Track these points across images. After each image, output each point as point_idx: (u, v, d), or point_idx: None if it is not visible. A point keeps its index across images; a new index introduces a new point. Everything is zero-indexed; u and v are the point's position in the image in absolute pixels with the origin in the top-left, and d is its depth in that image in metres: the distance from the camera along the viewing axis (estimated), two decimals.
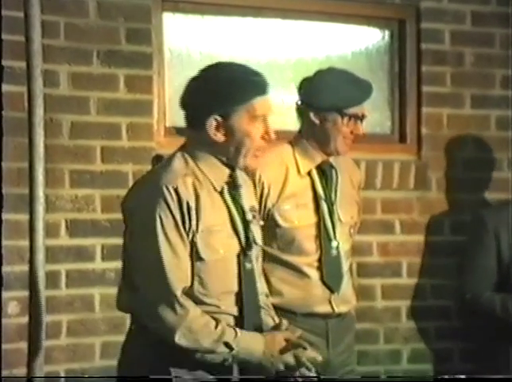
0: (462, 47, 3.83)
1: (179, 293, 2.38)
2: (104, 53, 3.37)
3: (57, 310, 3.26)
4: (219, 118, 2.43)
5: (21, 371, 3.24)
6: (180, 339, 2.38)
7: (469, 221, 3.65)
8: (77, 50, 3.33)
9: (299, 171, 3.16)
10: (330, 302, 3.15)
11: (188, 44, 3.56)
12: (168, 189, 2.37)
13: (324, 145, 3.12)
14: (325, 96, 3.11)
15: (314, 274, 3.13)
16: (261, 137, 2.47)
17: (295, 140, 3.20)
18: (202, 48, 3.57)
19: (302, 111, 3.17)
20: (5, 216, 3.23)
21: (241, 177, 2.54)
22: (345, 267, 3.19)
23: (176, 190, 2.38)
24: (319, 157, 3.17)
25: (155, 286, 2.38)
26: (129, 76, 3.38)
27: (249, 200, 2.57)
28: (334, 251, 3.14)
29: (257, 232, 2.55)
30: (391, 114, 3.82)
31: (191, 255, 2.40)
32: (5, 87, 3.23)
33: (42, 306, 3.24)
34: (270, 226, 3.13)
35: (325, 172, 3.17)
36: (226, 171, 2.48)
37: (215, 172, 2.46)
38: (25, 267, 3.25)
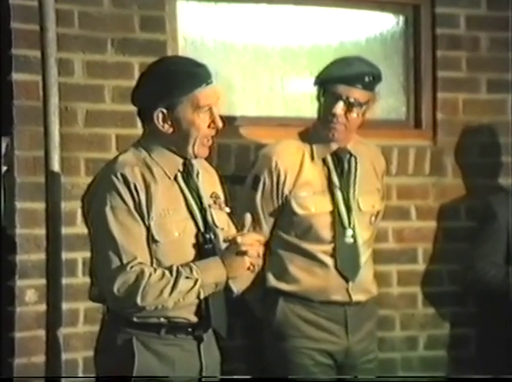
0: (477, 31, 3.80)
1: (132, 261, 2.46)
2: (118, 41, 3.38)
3: (74, 298, 3.27)
4: (164, 111, 2.55)
5: (40, 358, 3.26)
6: (142, 300, 2.45)
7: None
8: (91, 38, 3.34)
9: (313, 158, 3.15)
10: (347, 291, 3.14)
11: (202, 32, 3.55)
12: (116, 177, 2.50)
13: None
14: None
15: (330, 262, 3.13)
16: (208, 126, 2.57)
17: (313, 126, 3.19)
18: (216, 35, 3.57)
19: (318, 96, 3.16)
20: (21, 205, 3.25)
21: (200, 165, 2.66)
22: (363, 256, 3.18)
23: (123, 176, 2.50)
24: (334, 144, 3.15)
25: (110, 261, 2.47)
26: (143, 64, 3.36)
27: (209, 186, 2.67)
28: (349, 240, 3.13)
29: (218, 217, 2.63)
30: (406, 99, 3.80)
31: (147, 239, 2.50)
32: (20, 76, 3.24)
33: (60, 294, 3.26)
34: (287, 213, 3.13)
35: (341, 159, 3.16)
36: (179, 160, 2.60)
37: (168, 161, 2.58)
38: (42, 255, 3.27)
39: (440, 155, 3.77)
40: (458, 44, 3.78)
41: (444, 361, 3.75)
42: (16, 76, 3.24)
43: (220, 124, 2.58)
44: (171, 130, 2.56)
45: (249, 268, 2.56)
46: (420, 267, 3.76)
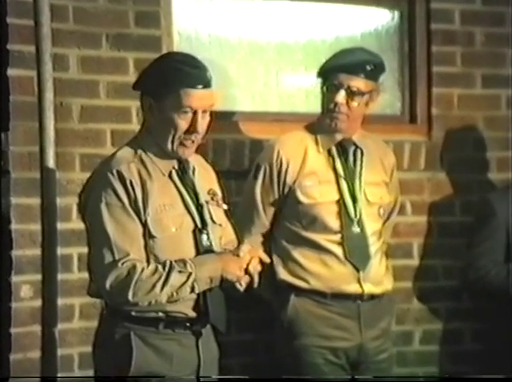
0: (472, 26, 3.80)
1: (125, 258, 2.46)
2: (113, 37, 3.37)
3: (70, 294, 3.27)
4: (151, 100, 2.56)
5: (35, 354, 3.26)
6: (134, 296, 2.46)
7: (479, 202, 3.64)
8: (86, 34, 3.33)
9: (318, 148, 3.15)
10: (359, 282, 3.12)
11: (197, 27, 3.55)
12: (112, 173, 2.51)
13: None
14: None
15: (339, 251, 3.11)
16: (187, 129, 2.56)
17: (317, 119, 3.19)
18: (211, 30, 3.57)
19: (322, 88, 3.16)
20: (16, 201, 3.24)
21: (197, 162, 2.66)
22: (373, 247, 3.16)
23: (119, 173, 2.51)
24: (339, 135, 3.15)
25: (103, 257, 2.47)
26: (138, 60, 3.37)
27: (206, 183, 2.67)
28: (356, 229, 3.12)
29: (216, 213, 2.63)
30: (401, 94, 3.80)
31: (144, 234, 2.50)
32: (15, 72, 3.24)
33: (55, 290, 3.26)
34: (292, 203, 3.12)
35: (346, 150, 3.16)
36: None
37: (162, 158, 2.59)
38: (38, 251, 3.27)
39: (435, 150, 3.78)
40: (453, 39, 3.79)
41: (438, 356, 3.76)
42: (10, 72, 3.23)
43: (201, 130, 2.56)
44: (153, 121, 2.57)
45: (239, 282, 2.56)
46: (415, 261, 3.76)
